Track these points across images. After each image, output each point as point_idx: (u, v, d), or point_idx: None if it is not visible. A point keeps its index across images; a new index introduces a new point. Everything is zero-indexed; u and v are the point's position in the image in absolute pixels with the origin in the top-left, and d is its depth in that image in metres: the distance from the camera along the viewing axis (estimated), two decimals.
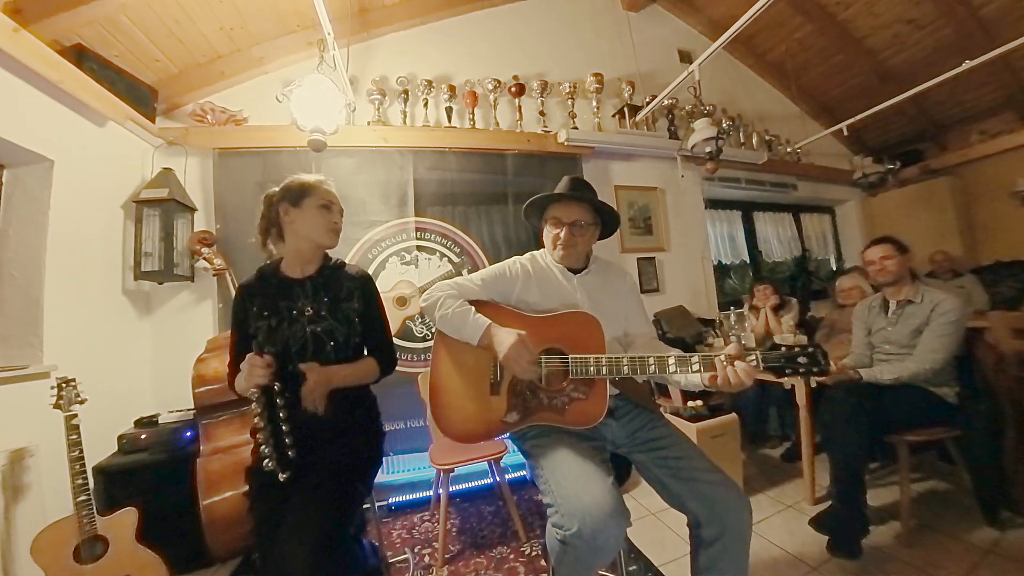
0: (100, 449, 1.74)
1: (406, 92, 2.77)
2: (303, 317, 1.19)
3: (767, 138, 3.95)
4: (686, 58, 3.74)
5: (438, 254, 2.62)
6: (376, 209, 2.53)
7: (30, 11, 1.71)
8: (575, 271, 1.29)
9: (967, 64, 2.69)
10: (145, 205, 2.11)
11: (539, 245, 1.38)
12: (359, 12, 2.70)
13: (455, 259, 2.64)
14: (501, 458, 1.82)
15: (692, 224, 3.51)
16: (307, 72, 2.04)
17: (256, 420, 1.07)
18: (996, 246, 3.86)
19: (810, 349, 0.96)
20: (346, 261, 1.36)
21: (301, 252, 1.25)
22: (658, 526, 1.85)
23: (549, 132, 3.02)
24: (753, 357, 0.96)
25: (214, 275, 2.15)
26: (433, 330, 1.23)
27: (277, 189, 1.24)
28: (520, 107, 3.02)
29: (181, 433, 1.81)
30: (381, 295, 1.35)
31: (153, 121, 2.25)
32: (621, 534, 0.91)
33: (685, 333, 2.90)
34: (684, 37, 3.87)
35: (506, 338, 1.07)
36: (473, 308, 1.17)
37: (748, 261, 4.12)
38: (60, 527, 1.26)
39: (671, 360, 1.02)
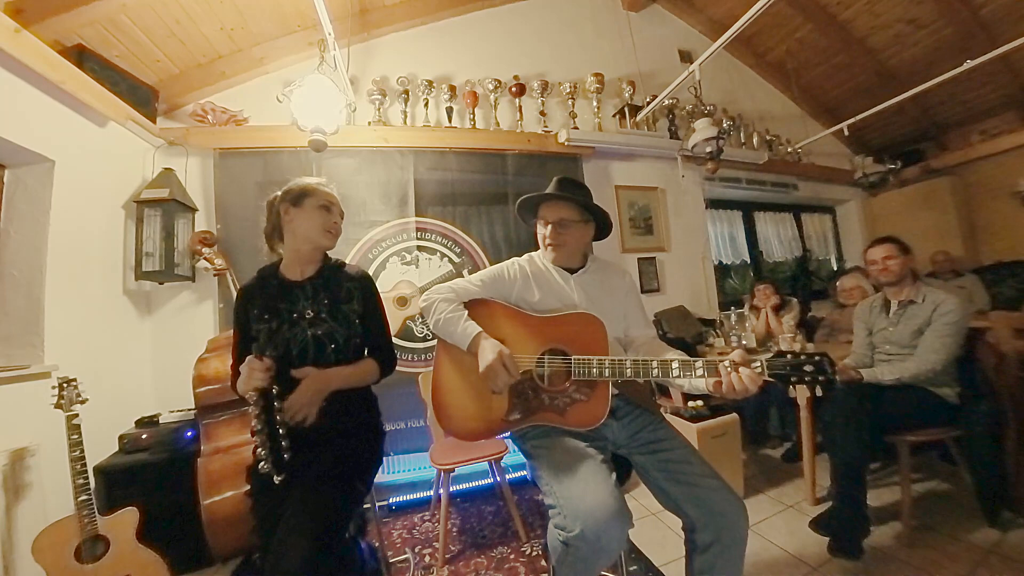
0: (101, 449, 1.74)
1: (406, 92, 2.77)
2: (303, 320, 1.19)
3: (768, 138, 3.95)
4: (686, 58, 3.73)
5: (439, 254, 2.62)
6: (377, 209, 2.53)
7: (31, 11, 1.71)
8: (572, 271, 1.29)
9: (968, 64, 2.69)
10: (146, 205, 2.11)
11: (539, 246, 1.38)
12: (360, 12, 2.70)
13: (455, 259, 2.64)
14: (502, 458, 1.81)
15: (693, 224, 3.51)
16: (308, 72, 2.05)
17: (254, 423, 1.07)
18: (997, 246, 3.86)
19: (817, 357, 0.93)
20: (346, 262, 1.36)
21: (300, 253, 1.24)
22: (658, 526, 1.85)
23: (550, 132, 3.02)
24: (758, 364, 0.94)
25: (215, 275, 2.15)
26: (430, 328, 1.24)
27: (279, 192, 1.25)
28: (520, 107, 3.02)
29: (182, 433, 1.81)
30: (381, 295, 1.35)
31: (154, 121, 2.25)
32: (624, 535, 0.91)
33: (686, 333, 2.90)
34: (684, 37, 3.87)
35: (489, 353, 1.07)
36: (465, 314, 1.18)
37: (749, 261, 4.12)
38: (61, 527, 1.27)
39: (675, 364, 1.01)
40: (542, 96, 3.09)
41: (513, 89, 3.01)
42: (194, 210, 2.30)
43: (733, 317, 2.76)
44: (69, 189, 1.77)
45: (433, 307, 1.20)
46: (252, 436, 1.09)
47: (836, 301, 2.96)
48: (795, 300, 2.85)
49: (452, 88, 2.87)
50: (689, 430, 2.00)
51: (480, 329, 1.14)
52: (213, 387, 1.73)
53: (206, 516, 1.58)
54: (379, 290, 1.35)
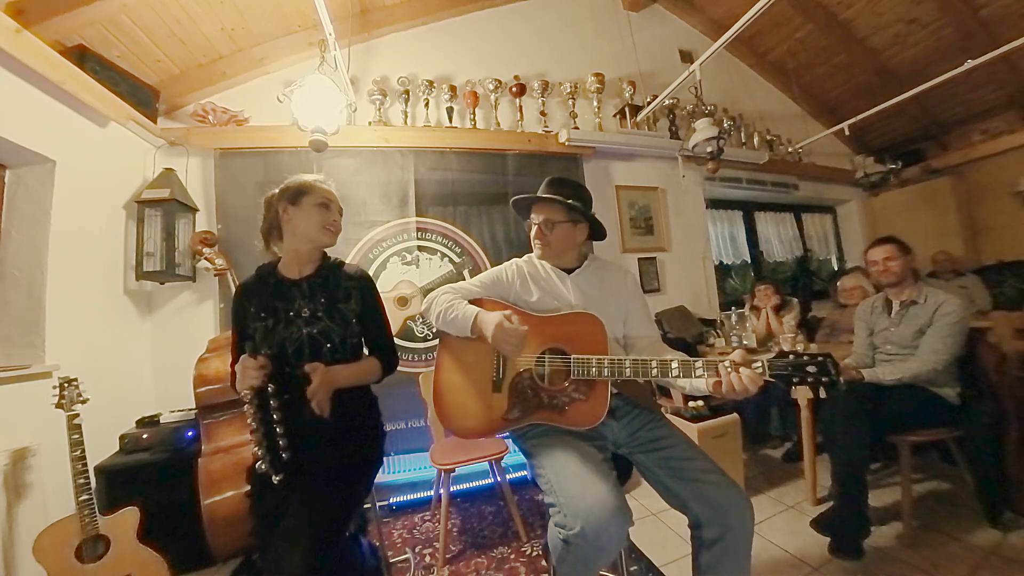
0: (102, 449, 1.74)
1: (407, 92, 2.77)
2: (299, 318, 1.18)
3: (768, 138, 3.95)
4: (687, 58, 3.73)
5: (439, 254, 2.62)
6: (377, 209, 2.54)
7: (32, 12, 1.71)
8: (568, 270, 1.29)
9: (969, 63, 2.69)
10: (147, 205, 2.12)
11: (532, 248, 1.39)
12: (360, 12, 2.70)
13: (456, 259, 2.64)
14: (502, 458, 1.81)
15: (693, 224, 3.51)
16: (308, 72, 2.05)
17: (249, 422, 1.06)
18: (998, 246, 3.85)
19: (820, 358, 0.91)
20: (345, 261, 1.35)
21: (299, 252, 1.24)
22: (659, 526, 1.85)
23: (550, 132, 3.02)
24: (759, 364, 0.93)
25: (215, 275, 2.15)
26: (434, 330, 1.24)
27: (277, 191, 1.24)
28: (521, 107, 3.02)
29: (182, 433, 1.81)
30: (382, 295, 1.35)
31: (155, 121, 2.26)
32: (624, 533, 0.91)
33: (686, 333, 2.89)
34: (685, 37, 3.87)
35: (491, 320, 1.08)
36: (465, 300, 1.20)
37: (749, 261, 4.11)
38: (62, 526, 1.27)
39: (674, 364, 1.01)
40: (542, 96, 3.09)
41: (513, 89, 3.01)
42: (195, 210, 2.31)
43: (734, 317, 2.76)
44: (70, 189, 1.77)
45: (435, 302, 1.22)
46: (251, 435, 1.08)
47: (837, 301, 2.96)
48: (796, 300, 2.85)
49: (453, 88, 2.87)
50: (690, 430, 2.00)
51: (478, 308, 1.15)
52: (214, 387, 1.73)
53: (207, 516, 1.58)
54: (380, 290, 1.35)
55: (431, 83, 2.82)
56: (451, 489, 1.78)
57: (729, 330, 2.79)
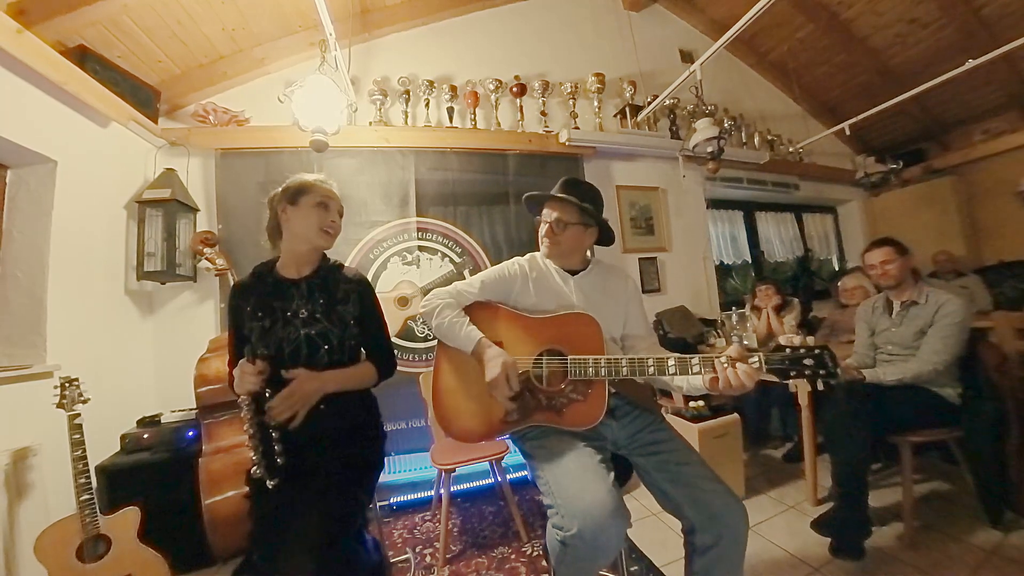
0: (103, 448, 1.75)
1: (407, 92, 2.77)
2: (297, 319, 1.16)
3: (769, 138, 3.95)
4: (687, 58, 3.73)
5: (440, 254, 2.62)
6: (378, 209, 2.54)
7: (33, 12, 1.71)
8: (572, 272, 1.29)
9: (970, 63, 2.69)
10: (148, 205, 2.12)
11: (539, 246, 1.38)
12: (361, 13, 2.71)
13: (456, 259, 2.65)
14: (502, 458, 1.82)
15: (694, 224, 3.51)
16: (309, 73, 2.05)
17: (245, 427, 1.06)
18: (999, 246, 3.84)
19: (816, 351, 0.90)
20: (345, 264, 1.33)
21: (297, 253, 1.22)
22: (659, 527, 1.85)
23: (550, 132, 3.02)
24: (756, 359, 0.93)
25: (216, 275, 2.15)
26: (432, 332, 1.24)
27: (279, 189, 1.23)
28: (521, 107, 3.02)
29: (183, 433, 1.81)
30: (382, 296, 1.35)
31: (155, 122, 2.26)
32: (622, 534, 0.91)
33: (687, 333, 2.89)
34: (685, 37, 3.87)
35: (495, 364, 1.07)
36: (467, 319, 1.18)
37: (750, 261, 4.11)
38: (63, 526, 1.27)
39: (670, 362, 1.00)
40: (543, 96, 3.09)
41: (514, 89, 3.01)
42: (196, 210, 2.31)
43: (734, 317, 2.76)
44: (71, 190, 1.77)
45: (436, 311, 1.20)
46: (248, 440, 1.08)
47: (838, 301, 2.96)
48: (796, 300, 2.85)
49: (453, 88, 2.87)
50: (690, 430, 2.00)
51: (482, 335, 1.14)
52: (214, 387, 1.73)
53: (207, 516, 1.58)
54: (380, 290, 1.34)
55: (431, 83, 2.82)
56: (451, 489, 1.78)
57: (730, 330, 2.79)
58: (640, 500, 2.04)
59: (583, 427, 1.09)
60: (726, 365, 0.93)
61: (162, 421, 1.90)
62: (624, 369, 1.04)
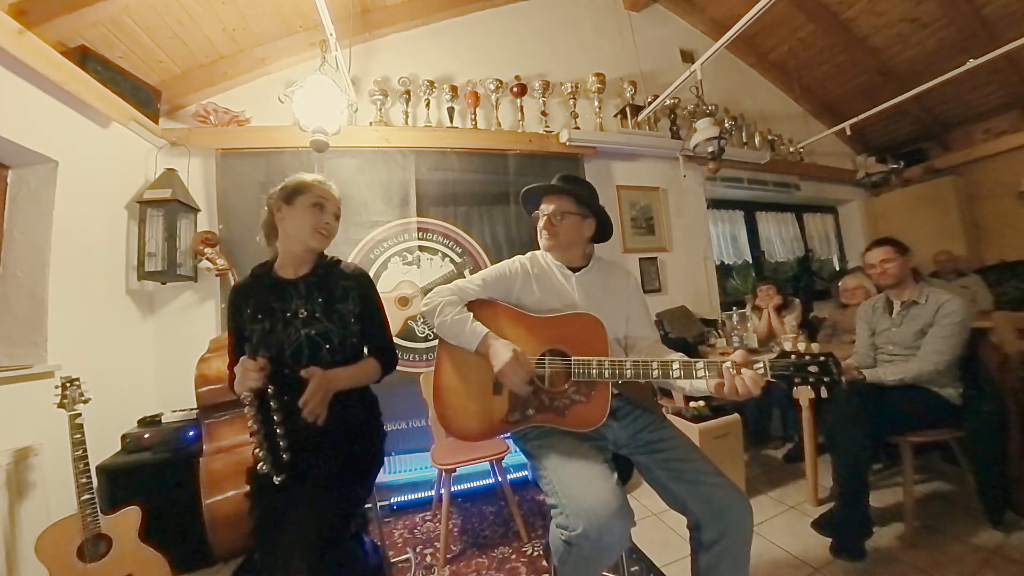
0: (104, 448, 1.75)
1: (408, 92, 2.77)
2: (297, 319, 1.16)
3: (769, 138, 3.94)
4: (688, 58, 3.73)
5: (440, 254, 2.62)
6: (378, 209, 2.54)
7: (34, 13, 1.71)
8: (574, 269, 1.29)
9: (971, 63, 2.68)
10: (148, 205, 2.12)
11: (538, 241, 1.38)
12: (361, 13, 2.71)
13: (457, 259, 2.65)
14: (503, 458, 1.82)
15: (694, 224, 3.51)
16: (309, 73, 2.05)
17: (250, 424, 1.06)
18: (1000, 246, 3.84)
19: (822, 358, 0.90)
20: (342, 260, 1.31)
21: (292, 253, 1.21)
22: (660, 527, 1.85)
23: (551, 132, 3.02)
24: (761, 365, 0.93)
25: (217, 275, 2.15)
26: (434, 330, 1.24)
27: (278, 188, 1.22)
28: (522, 107, 3.02)
29: (184, 432, 1.81)
30: (383, 295, 1.34)
31: (156, 122, 2.26)
32: (626, 533, 0.91)
33: (687, 333, 2.89)
34: (686, 37, 3.86)
35: (502, 352, 1.07)
36: (471, 316, 1.17)
37: (751, 261, 4.11)
38: (64, 526, 1.27)
39: (675, 365, 1.00)
40: (543, 96, 3.09)
41: (514, 89, 3.01)
42: (196, 210, 2.31)
43: (735, 317, 2.76)
44: (72, 190, 1.77)
45: (438, 309, 1.19)
46: (251, 437, 1.08)
47: (838, 301, 2.96)
48: (797, 300, 2.84)
49: (453, 88, 2.87)
50: (691, 430, 1.99)
51: (488, 330, 1.13)
52: (215, 387, 1.73)
53: (208, 515, 1.58)
54: (381, 291, 1.34)
55: (432, 83, 2.82)
56: (452, 489, 1.78)
57: (730, 330, 2.79)
58: (641, 500, 2.04)
59: (585, 429, 1.09)
60: (733, 372, 0.93)
61: (163, 421, 1.91)
62: (628, 371, 1.03)
